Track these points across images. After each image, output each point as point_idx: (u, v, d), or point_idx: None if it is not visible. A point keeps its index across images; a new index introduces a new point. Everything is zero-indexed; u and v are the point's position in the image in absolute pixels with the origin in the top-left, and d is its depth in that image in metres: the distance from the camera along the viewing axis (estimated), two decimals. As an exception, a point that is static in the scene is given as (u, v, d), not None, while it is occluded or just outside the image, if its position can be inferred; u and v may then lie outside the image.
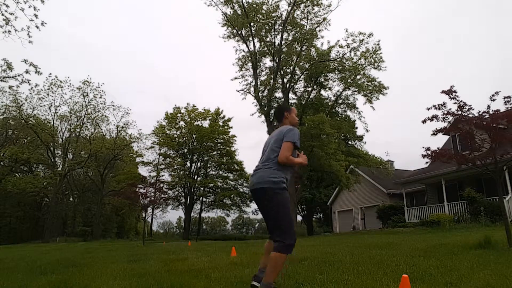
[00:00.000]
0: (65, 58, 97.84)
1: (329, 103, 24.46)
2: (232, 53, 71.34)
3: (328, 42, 22.74)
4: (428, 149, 7.18)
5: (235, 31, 22.39)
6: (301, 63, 22.17)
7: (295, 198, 20.99)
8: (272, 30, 22.03)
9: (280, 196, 2.65)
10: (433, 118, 6.53)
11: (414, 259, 4.63)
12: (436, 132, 6.82)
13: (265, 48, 22.47)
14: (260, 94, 21.74)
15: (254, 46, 22.30)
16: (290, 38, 22.32)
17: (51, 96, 29.97)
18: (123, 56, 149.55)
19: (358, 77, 22.20)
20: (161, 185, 21.49)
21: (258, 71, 22.76)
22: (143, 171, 39.94)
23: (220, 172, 38.94)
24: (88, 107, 30.97)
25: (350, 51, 21.89)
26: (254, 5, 21.24)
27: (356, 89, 22.61)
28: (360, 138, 28.76)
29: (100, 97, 30.95)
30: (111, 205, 37.24)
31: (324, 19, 21.30)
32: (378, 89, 22.20)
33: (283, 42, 21.97)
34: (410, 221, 18.80)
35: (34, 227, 38.59)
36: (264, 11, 21.47)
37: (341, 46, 21.99)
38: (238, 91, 22.84)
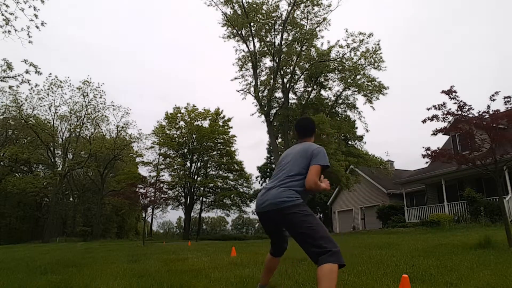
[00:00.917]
0: (65, 59, 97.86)
1: (329, 103, 24.42)
2: (232, 53, 71.29)
3: (328, 42, 22.70)
4: (428, 149, 7.19)
5: (235, 31, 22.37)
6: (301, 63, 22.13)
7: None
8: (272, 30, 22.02)
9: (305, 206, 2.34)
10: (433, 118, 6.55)
11: (414, 259, 4.64)
12: (436, 132, 6.83)
13: (265, 48, 22.44)
14: (260, 94, 21.71)
15: (254, 46, 22.29)
16: (290, 38, 22.28)
17: (51, 96, 30.08)
18: (123, 56, 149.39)
19: (358, 77, 22.18)
20: (161, 185, 21.44)
21: (258, 71, 22.74)
22: (143, 171, 40.12)
23: (220, 172, 38.95)
24: (88, 107, 31.05)
25: (350, 51, 21.88)
26: (254, 5, 21.22)
27: (356, 89, 22.58)
28: (360, 138, 28.75)
29: (100, 97, 31.07)
30: (111, 205, 37.20)
31: (324, 19, 21.30)
32: (378, 89, 22.18)
33: (283, 42, 21.94)
34: (410, 221, 18.80)
35: (34, 227, 38.56)
36: (264, 11, 21.45)
37: (341, 46, 21.97)
38: (238, 91, 22.83)
